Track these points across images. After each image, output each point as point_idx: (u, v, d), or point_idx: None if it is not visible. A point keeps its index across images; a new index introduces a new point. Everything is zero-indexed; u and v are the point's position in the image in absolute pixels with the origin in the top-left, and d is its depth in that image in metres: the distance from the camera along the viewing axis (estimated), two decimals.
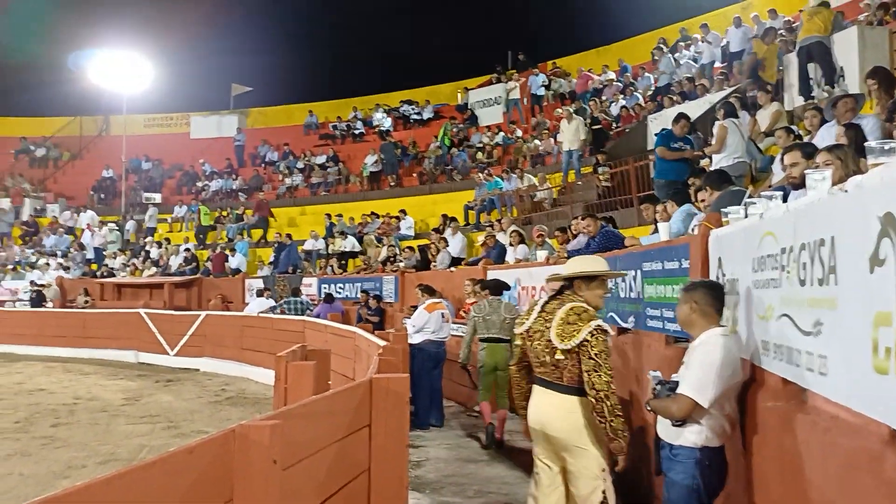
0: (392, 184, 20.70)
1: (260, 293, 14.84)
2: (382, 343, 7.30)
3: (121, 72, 24.91)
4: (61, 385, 12.15)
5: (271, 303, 14.17)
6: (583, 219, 8.54)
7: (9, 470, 6.68)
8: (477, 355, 7.39)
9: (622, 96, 17.04)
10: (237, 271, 18.06)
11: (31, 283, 19.37)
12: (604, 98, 17.70)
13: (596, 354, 3.64)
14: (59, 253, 21.58)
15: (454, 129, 21.26)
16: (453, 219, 14.79)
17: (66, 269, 20.57)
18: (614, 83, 18.38)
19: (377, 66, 30.65)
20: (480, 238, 13.00)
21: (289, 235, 17.98)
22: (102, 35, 26.29)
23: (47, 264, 20.63)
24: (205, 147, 26.93)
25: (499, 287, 7.62)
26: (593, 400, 3.63)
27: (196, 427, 8.63)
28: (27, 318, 17.52)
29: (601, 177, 13.09)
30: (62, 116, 29.42)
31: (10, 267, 20.97)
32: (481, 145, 20.16)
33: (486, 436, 7.30)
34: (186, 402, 10.48)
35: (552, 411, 3.81)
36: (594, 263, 4.00)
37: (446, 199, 18.42)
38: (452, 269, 12.31)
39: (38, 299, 18.64)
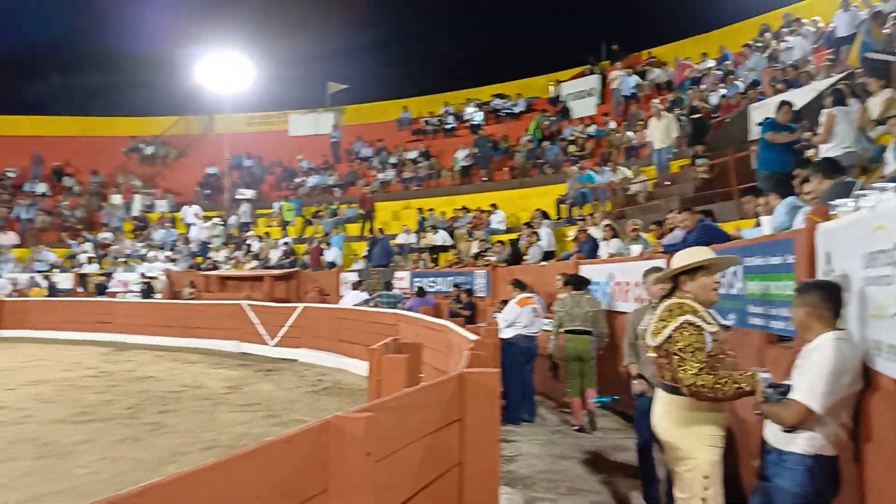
0: (483, 178, 20.70)
1: (354, 286, 15.14)
2: (473, 337, 7.31)
3: (224, 72, 25.93)
4: (169, 373, 12.78)
5: (365, 296, 14.44)
6: (679, 212, 8.29)
7: (121, 454, 7.08)
8: (562, 347, 7.89)
9: (722, 85, 16.42)
10: (333, 265, 18.50)
11: (141, 275, 20.48)
12: (703, 87, 17.10)
13: (680, 349, 3.51)
14: (166, 246, 22.71)
15: (546, 122, 21.05)
16: (545, 213, 14.65)
17: (173, 261, 21.63)
18: (713, 71, 17.73)
19: (469, 60, 30.70)
20: (572, 232, 12.82)
21: (381, 230, 18.30)
22: (207, 37, 27.48)
23: (156, 257, 21.76)
24: (302, 144, 27.73)
25: (581, 282, 8.07)
26: (689, 396, 3.52)
27: (294, 416, 8.89)
28: (137, 308, 18.53)
29: (699, 169, 12.65)
30: (170, 116, 30.95)
31: (122, 260, 22.21)
32: (573, 138, 19.88)
33: (581, 428, 7.59)
34: (285, 391, 10.82)
35: (658, 410, 3.74)
36: (693, 255, 3.86)
37: (537, 193, 18.28)
38: (544, 263, 12.20)
39: (147, 291, 19.69)
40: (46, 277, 21.42)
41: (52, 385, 11.37)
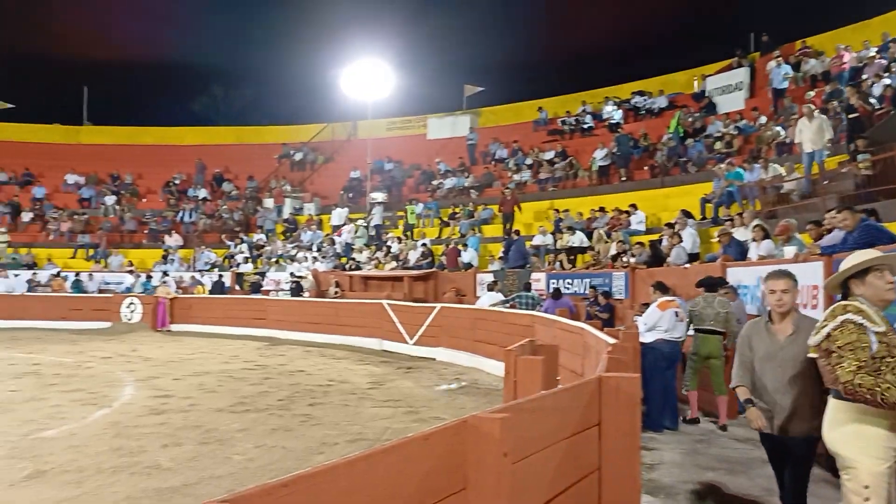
0: (623, 178, 20.21)
1: (490, 287, 15.25)
2: (612, 341, 7.18)
3: (367, 80, 26.93)
4: (317, 368, 13.44)
5: (501, 296, 14.51)
6: (839, 212, 7.75)
7: (274, 443, 7.53)
8: (691, 344, 8.16)
9: (886, 74, 15.12)
10: (469, 266, 18.72)
11: (291, 274, 21.65)
12: (864, 77, 15.83)
13: (839, 347, 3.33)
14: (314, 247, 23.86)
15: (689, 119, 20.25)
16: (688, 213, 14.10)
17: (320, 261, 22.68)
18: (876, 60, 16.37)
19: (608, 57, 30.13)
20: (716, 234, 12.28)
21: (517, 231, 18.29)
22: (351, 48, 28.68)
23: (304, 258, 22.92)
24: (440, 147, 28.29)
25: (712, 284, 8.32)
26: (847, 397, 3.31)
27: (434, 414, 9.09)
28: (288, 306, 19.59)
29: (860, 165, 11.73)
30: (317, 123, 32.54)
31: (274, 260, 23.58)
32: (719, 134, 19.00)
33: (682, 420, 7.88)
34: (424, 389, 11.09)
35: (826, 417, 3.56)
36: (859, 256, 3.62)
37: (680, 193, 17.63)
38: (687, 265, 11.76)
39: (296, 289, 20.79)
40: (220, 275, 22.99)
41: (213, 376, 12.27)
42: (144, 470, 6.46)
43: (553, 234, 17.94)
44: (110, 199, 28.62)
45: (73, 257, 25.64)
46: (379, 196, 25.82)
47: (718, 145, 18.56)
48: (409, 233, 22.68)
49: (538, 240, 17.96)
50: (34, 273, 23.48)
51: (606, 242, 15.55)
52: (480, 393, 10.66)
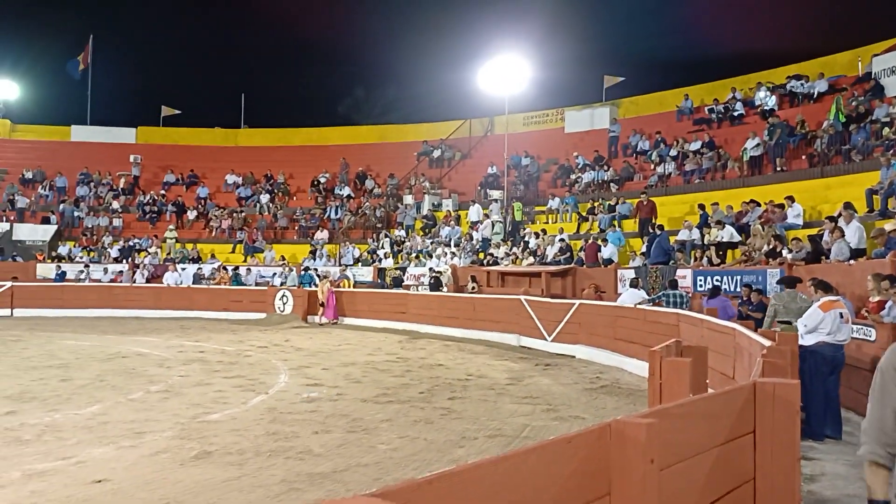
0: (779, 168, 18.94)
1: (632, 284, 14.85)
2: (767, 343, 6.81)
3: (503, 75, 26.95)
4: (456, 362, 13.65)
5: (644, 294, 14.08)
6: None
7: (416, 434, 7.74)
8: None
9: None
10: (609, 261, 18.31)
11: (430, 269, 22.10)
12: None
13: None
14: (452, 243, 24.22)
15: (852, 103, 18.74)
16: (851, 205, 13.07)
17: (458, 256, 22.98)
18: None
19: (760, 40, 28.47)
20: (889, 226, 11.30)
21: (660, 226, 17.64)
22: (487, 44, 28.86)
23: (443, 253, 23.32)
24: (578, 140, 27.84)
25: (792, 282, 9.29)
26: None
27: (574, 412, 8.99)
28: (428, 300, 20.02)
29: None
30: (455, 120, 32.97)
31: (414, 255, 24.15)
32: (887, 119, 17.45)
33: None
34: (564, 386, 10.98)
35: None
36: None
37: (841, 183, 16.38)
38: (851, 262, 10.92)
39: (435, 284, 21.19)
40: (383, 270, 23.90)
41: (358, 367, 12.77)
42: (298, 455, 6.83)
43: (699, 228, 17.17)
44: (265, 198, 30.43)
45: (232, 252, 27.50)
46: (495, 194, 25.89)
47: (886, 131, 17.04)
48: (510, 228, 22.91)
49: (683, 235, 17.25)
50: (199, 267, 25.38)
51: (760, 237, 14.70)
52: (623, 393, 10.42)
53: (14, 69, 36.58)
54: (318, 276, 23.38)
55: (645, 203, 19.53)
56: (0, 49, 42.07)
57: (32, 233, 27.71)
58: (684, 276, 15.20)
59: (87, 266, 25.50)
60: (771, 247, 13.86)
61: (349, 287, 22.89)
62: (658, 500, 2.55)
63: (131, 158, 32.07)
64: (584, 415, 8.90)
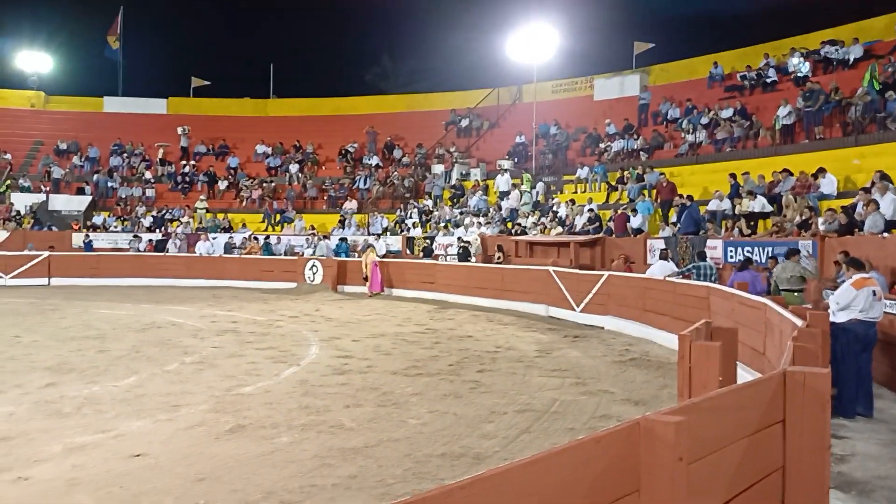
0: (818, 136, 18.52)
1: (662, 255, 14.75)
2: (798, 321, 6.76)
3: (531, 43, 26.59)
4: (484, 333, 13.74)
5: (674, 266, 13.98)
6: None
7: (445, 408, 7.85)
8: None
9: None
10: (639, 231, 18.19)
11: (459, 239, 22.14)
12: None
13: None
14: (480, 212, 24.20)
15: (889, 70, 18.22)
16: (886, 176, 12.80)
17: (485, 226, 22.98)
18: None
19: (793, 5, 27.67)
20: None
21: (689, 196, 17.43)
22: (515, 11, 28.43)
23: (472, 223, 23.32)
24: (607, 108, 27.47)
25: (789, 254, 11.01)
26: None
27: (602, 386, 9.04)
28: (456, 270, 20.09)
29: None
30: (483, 89, 32.69)
31: (442, 225, 24.19)
32: None
33: None
34: (592, 359, 11.02)
35: None
36: None
37: (876, 153, 16.00)
38: (885, 234, 10.74)
39: (464, 254, 21.24)
40: (412, 239, 24.06)
41: (388, 339, 12.92)
42: (329, 429, 6.98)
43: (731, 198, 16.94)
44: (294, 168, 30.59)
45: (262, 222, 27.78)
46: (505, 163, 25.82)
47: None
48: (535, 209, 22.86)
49: (714, 205, 17.06)
50: (230, 237, 25.71)
51: (794, 208, 14.47)
52: (652, 366, 10.42)
53: (47, 42, 37.02)
54: (362, 246, 23.39)
55: (665, 184, 19.02)
56: (34, 23, 42.55)
57: (68, 203, 28.24)
58: (715, 247, 15.07)
59: (137, 236, 25.97)
60: (804, 218, 13.66)
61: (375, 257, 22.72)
62: (687, 494, 2.59)
63: (179, 130, 32.32)
64: (613, 388, 8.95)
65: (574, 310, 15.33)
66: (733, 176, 17.62)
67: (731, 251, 14.60)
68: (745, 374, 8.14)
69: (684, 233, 16.43)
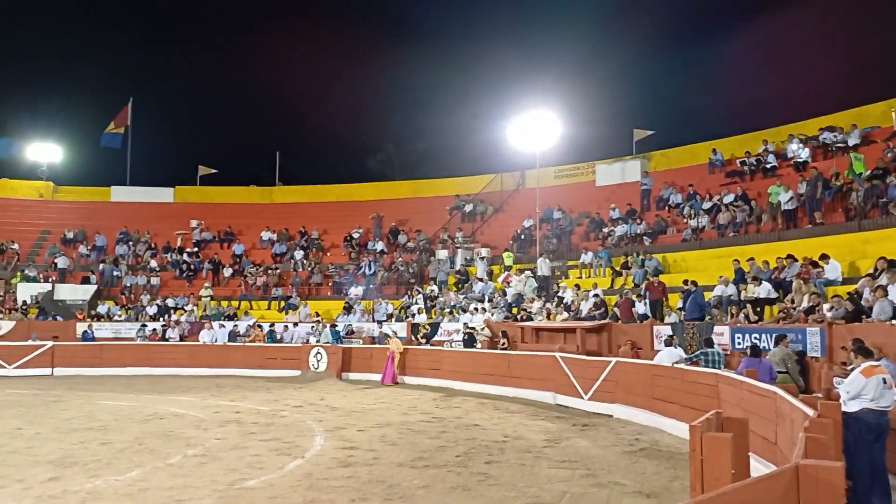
0: (819, 220, 18.69)
1: (668, 342, 14.70)
2: (809, 411, 6.70)
3: (533, 130, 27.27)
4: (492, 422, 13.53)
5: (681, 352, 13.90)
6: None
7: (454, 502, 7.68)
8: None
9: None
10: (645, 317, 18.15)
11: (464, 325, 22.08)
12: None
13: None
14: (485, 298, 24.23)
15: (888, 155, 18.59)
16: (892, 262, 12.87)
17: (491, 312, 22.96)
18: None
19: (789, 93, 28.52)
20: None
21: (694, 282, 17.47)
22: (517, 100, 29.32)
23: (476, 309, 23.31)
24: (609, 193, 27.92)
25: (777, 340, 12.19)
26: None
27: (613, 478, 8.85)
28: (462, 357, 19.95)
29: None
30: (486, 175, 33.32)
31: (448, 310, 24.19)
32: None
33: None
34: (602, 449, 10.82)
35: None
36: None
37: (880, 238, 16.15)
38: (894, 321, 10.72)
39: (469, 340, 21.15)
40: (416, 325, 24.05)
41: (394, 428, 12.74)
42: None
43: (735, 283, 16.98)
44: (299, 254, 30.86)
45: (267, 309, 27.81)
46: (483, 252, 26.82)
47: None
48: (541, 286, 23.01)
49: (719, 290, 17.07)
50: (235, 324, 25.68)
51: (799, 294, 14.49)
52: (663, 456, 10.23)
53: (57, 133, 38.11)
54: (388, 334, 23.15)
55: (656, 285, 18.59)
56: (44, 114, 43.90)
57: (73, 292, 28.36)
58: (721, 333, 15.01)
59: (146, 324, 25.93)
60: (810, 304, 13.66)
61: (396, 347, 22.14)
62: None
63: (193, 223, 32.79)
64: (624, 480, 8.76)
65: (582, 397, 15.14)
66: (737, 261, 17.72)
67: (738, 337, 14.54)
68: (757, 466, 7.99)
69: (689, 319, 16.40)
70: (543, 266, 23.83)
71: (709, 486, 4.84)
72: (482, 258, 26.92)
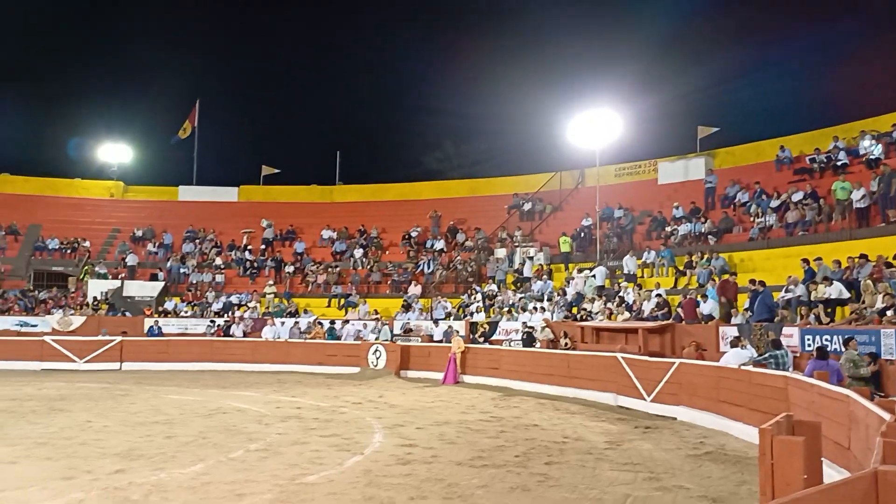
0: (892, 219, 17.88)
1: (734, 343, 14.27)
2: (885, 415, 6.40)
3: (594, 127, 26.88)
4: (551, 423, 13.38)
5: (748, 353, 13.48)
6: None
7: (513, 503, 7.59)
8: None
9: None
10: (709, 318, 17.69)
11: (523, 324, 21.92)
12: None
13: None
14: (544, 297, 24.00)
15: None
16: None
17: (549, 311, 22.73)
18: None
19: (861, 88, 27.41)
20: None
21: (762, 282, 16.91)
22: (578, 97, 28.97)
23: (535, 308, 23.12)
24: (672, 192, 27.32)
25: (846, 341, 11.68)
26: None
27: (678, 482, 8.62)
28: (521, 356, 19.81)
29: None
30: (545, 173, 33.02)
31: (506, 309, 24.05)
32: None
33: None
34: (665, 452, 10.57)
35: None
36: None
37: None
38: None
39: (528, 340, 20.99)
40: (475, 324, 24.08)
41: (452, 427, 12.71)
42: None
43: (805, 284, 16.38)
44: (359, 253, 31.18)
45: (327, 306, 28.17)
46: (532, 251, 26.84)
47: None
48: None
49: (788, 291, 16.50)
50: (296, 321, 26.10)
51: (872, 294, 13.89)
52: (729, 461, 9.92)
53: (127, 134, 39.44)
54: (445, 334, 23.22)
55: (731, 283, 18.06)
56: (115, 115, 45.48)
57: (141, 289, 29.28)
58: (791, 335, 14.50)
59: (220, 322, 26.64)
60: (884, 305, 13.07)
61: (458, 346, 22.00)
62: None
63: (264, 223, 33.49)
64: (689, 484, 8.53)
65: (644, 399, 14.83)
66: (806, 261, 17.10)
67: (808, 339, 14.03)
68: (830, 472, 7.67)
69: (757, 320, 15.89)
70: (600, 275, 23.25)
71: (779, 491, 4.65)
72: (530, 258, 26.60)
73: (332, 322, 25.56)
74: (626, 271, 23.06)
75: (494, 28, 48.37)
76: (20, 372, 22.34)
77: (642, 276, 22.90)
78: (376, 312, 26.37)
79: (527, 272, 26.09)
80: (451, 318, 25.06)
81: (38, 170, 37.19)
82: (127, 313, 27.58)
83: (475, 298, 25.72)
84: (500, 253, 28.71)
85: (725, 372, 12.76)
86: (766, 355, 12.67)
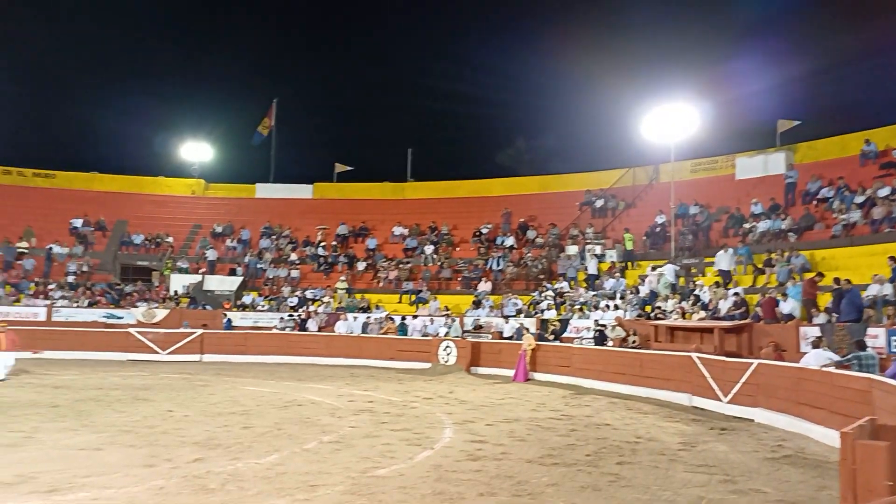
0: None
1: (815, 344, 13.75)
2: None
3: (669, 122, 26.28)
4: (623, 422, 13.20)
5: (831, 355, 12.96)
6: None
7: (584, 502, 7.53)
8: None
9: None
10: (790, 317, 17.09)
11: (595, 322, 21.67)
12: None
13: None
14: (616, 295, 23.65)
15: None
16: None
17: (623, 309, 22.38)
18: None
19: None
20: None
21: (847, 280, 16.22)
22: (652, 91, 28.38)
23: (607, 306, 22.80)
24: (750, 187, 26.48)
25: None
26: None
27: (753, 485, 8.39)
28: (592, 354, 19.59)
29: None
30: (618, 169, 32.51)
31: (577, 307, 23.81)
32: None
33: None
34: (742, 454, 10.29)
35: None
36: None
37: None
38: None
39: (600, 338, 20.73)
40: (545, 322, 24.04)
41: (522, 424, 12.70)
42: None
43: (892, 282, 15.65)
44: (429, 249, 31.42)
45: (398, 302, 28.51)
46: (597, 249, 26.54)
47: None
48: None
49: (873, 289, 15.80)
50: (368, 316, 26.52)
51: None
52: (809, 465, 9.58)
53: (209, 133, 40.86)
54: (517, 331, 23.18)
55: (818, 280, 17.34)
56: (197, 116, 47.17)
57: (221, 283, 30.30)
58: (876, 336, 13.88)
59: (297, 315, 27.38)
60: None
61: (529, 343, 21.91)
62: None
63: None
64: (766, 488, 8.29)
65: (720, 400, 14.46)
66: (893, 259, 16.31)
67: (894, 340, 13.40)
68: None
69: (845, 320, 15.24)
70: (669, 272, 22.71)
71: (861, 497, 4.49)
72: (594, 255, 26.19)
73: (404, 318, 25.83)
74: (718, 268, 22.19)
75: (568, 21, 47.89)
76: (107, 362, 23.49)
77: (717, 275, 22.23)
78: (447, 309, 26.53)
79: (591, 269, 25.68)
80: (522, 315, 24.99)
81: (124, 168, 39.01)
82: (207, 307, 28.56)
83: (546, 296, 25.56)
84: (572, 250, 28.42)
85: (806, 373, 12.31)
86: (850, 356, 12.16)
